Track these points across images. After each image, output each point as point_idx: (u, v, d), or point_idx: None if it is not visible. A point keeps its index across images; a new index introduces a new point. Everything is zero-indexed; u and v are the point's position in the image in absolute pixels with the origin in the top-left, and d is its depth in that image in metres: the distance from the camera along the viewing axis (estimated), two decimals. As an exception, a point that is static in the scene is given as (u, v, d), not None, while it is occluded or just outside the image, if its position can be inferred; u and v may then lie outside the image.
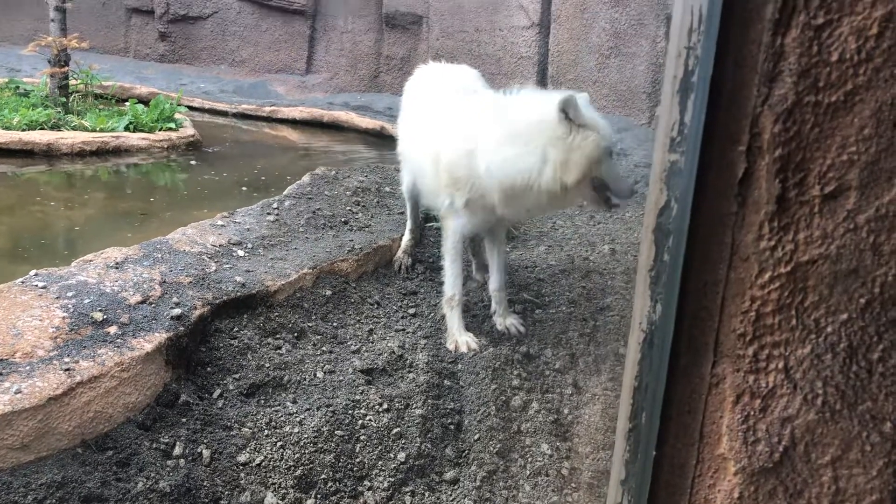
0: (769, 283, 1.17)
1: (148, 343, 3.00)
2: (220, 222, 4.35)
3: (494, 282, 4.04)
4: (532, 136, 3.29)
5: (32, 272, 3.30)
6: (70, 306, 3.07)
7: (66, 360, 2.78)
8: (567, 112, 3.19)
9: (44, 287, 3.18)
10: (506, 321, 4.00)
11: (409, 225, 4.72)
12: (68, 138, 7.06)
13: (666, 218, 1.35)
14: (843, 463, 1.18)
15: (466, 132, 3.56)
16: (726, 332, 1.22)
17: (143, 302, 3.24)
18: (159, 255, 3.69)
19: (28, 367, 2.70)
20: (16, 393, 2.56)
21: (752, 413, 1.20)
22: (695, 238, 1.21)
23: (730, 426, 1.22)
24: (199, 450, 2.89)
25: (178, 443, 2.88)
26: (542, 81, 9.63)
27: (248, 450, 2.95)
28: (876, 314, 1.15)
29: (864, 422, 1.18)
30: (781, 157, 1.13)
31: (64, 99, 7.99)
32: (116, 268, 3.47)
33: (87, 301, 3.13)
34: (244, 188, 6.78)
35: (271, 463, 2.93)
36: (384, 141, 8.90)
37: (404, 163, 4.61)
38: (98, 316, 3.05)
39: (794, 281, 1.17)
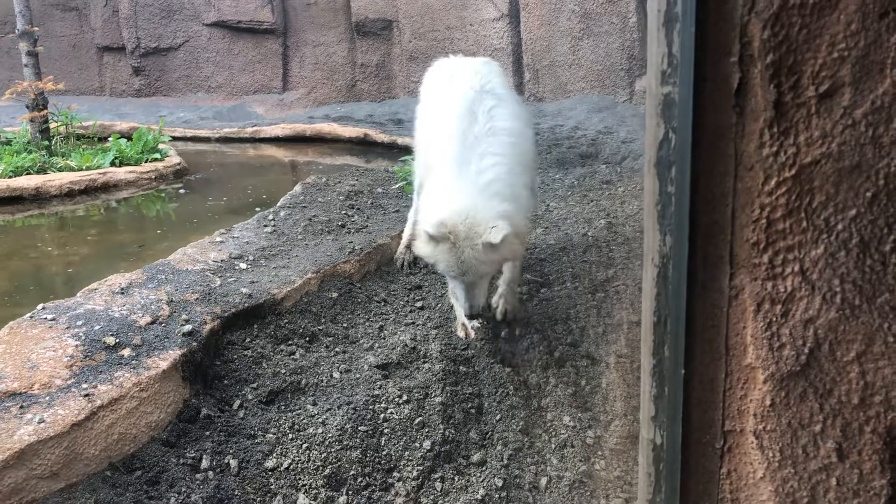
0: (776, 189, 1.19)
1: (163, 361, 3.01)
2: (218, 239, 4.36)
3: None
4: None
5: (40, 306, 3.31)
6: (81, 334, 3.08)
7: (85, 386, 2.78)
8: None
9: (53, 319, 3.18)
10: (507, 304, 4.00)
11: (411, 218, 4.68)
12: (56, 180, 7.06)
13: (666, 150, 1.37)
14: (868, 357, 1.20)
15: None
16: (740, 242, 1.23)
17: (153, 322, 3.25)
18: (163, 277, 3.70)
19: (48, 398, 2.70)
20: (39, 423, 2.57)
21: (774, 319, 1.21)
22: (699, 155, 1.22)
23: (754, 335, 1.23)
24: (226, 461, 2.89)
25: (204, 456, 2.89)
26: (518, 70, 9.65)
27: (274, 455, 2.95)
28: (883, 206, 1.16)
29: (884, 314, 1.19)
30: (773, 62, 1.15)
31: (46, 142, 7.99)
32: (122, 293, 3.48)
33: (97, 327, 3.13)
34: (238, 208, 6.78)
35: (299, 465, 2.93)
36: (369, 147, 8.91)
37: (421, 156, 4.48)
38: (110, 340, 3.06)
39: (799, 184, 1.18)
